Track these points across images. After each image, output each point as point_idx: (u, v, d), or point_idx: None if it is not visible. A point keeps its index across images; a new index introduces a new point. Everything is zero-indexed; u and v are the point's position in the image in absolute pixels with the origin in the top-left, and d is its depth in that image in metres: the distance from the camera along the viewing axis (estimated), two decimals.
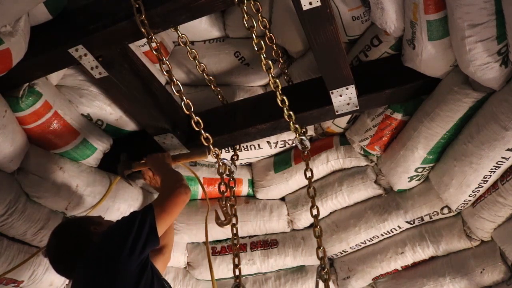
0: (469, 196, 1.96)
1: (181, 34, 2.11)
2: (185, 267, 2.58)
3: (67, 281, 2.06)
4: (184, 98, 1.72)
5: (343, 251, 2.41)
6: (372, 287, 2.45)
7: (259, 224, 2.47)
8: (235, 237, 2.10)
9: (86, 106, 2.07)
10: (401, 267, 2.32)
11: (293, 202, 2.47)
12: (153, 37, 1.58)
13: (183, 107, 1.73)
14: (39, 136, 1.91)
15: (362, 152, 2.29)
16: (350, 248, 2.39)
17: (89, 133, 2.07)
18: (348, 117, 2.24)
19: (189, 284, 2.53)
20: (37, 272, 1.94)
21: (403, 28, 1.80)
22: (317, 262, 1.83)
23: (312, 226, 2.00)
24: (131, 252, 1.32)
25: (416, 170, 2.08)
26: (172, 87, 1.71)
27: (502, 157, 1.74)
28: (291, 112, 1.79)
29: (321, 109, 1.98)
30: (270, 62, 1.64)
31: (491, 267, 2.06)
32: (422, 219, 2.22)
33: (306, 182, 2.00)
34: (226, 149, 2.35)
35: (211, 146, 1.85)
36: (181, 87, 1.72)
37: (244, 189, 2.53)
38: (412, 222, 2.24)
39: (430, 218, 2.21)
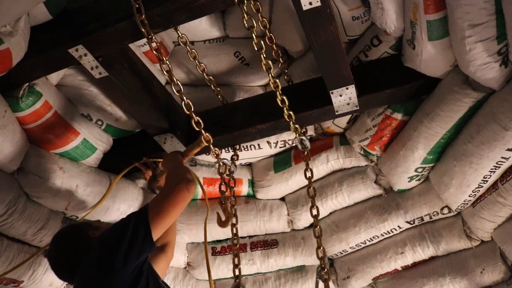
0: (469, 196, 1.96)
1: (181, 34, 2.11)
2: (185, 267, 2.58)
3: None
4: (184, 98, 1.72)
5: (343, 251, 2.41)
6: (372, 287, 2.45)
7: (259, 224, 2.47)
8: (235, 237, 2.10)
9: (86, 106, 2.07)
10: (401, 267, 2.32)
11: (293, 202, 2.47)
12: (153, 37, 1.58)
13: (183, 107, 1.73)
14: (39, 136, 1.91)
15: (362, 152, 2.29)
16: (350, 248, 2.39)
17: (89, 133, 2.07)
18: (348, 117, 2.24)
19: (189, 284, 2.53)
20: (37, 272, 1.95)
21: (403, 28, 1.80)
22: (317, 262, 1.83)
23: (312, 226, 2.00)
24: (125, 261, 1.28)
25: (416, 170, 2.08)
26: (172, 87, 1.70)
27: (502, 157, 1.74)
28: (291, 112, 1.79)
29: (321, 109, 1.98)
30: (270, 62, 1.64)
31: (491, 267, 2.06)
32: (422, 219, 2.22)
33: (306, 182, 2.00)
34: (226, 149, 2.35)
35: (211, 146, 1.85)
36: (181, 87, 1.71)
37: (244, 189, 2.53)
38: (412, 222, 2.24)
39: (430, 218, 2.21)
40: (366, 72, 2.00)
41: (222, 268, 2.47)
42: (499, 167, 1.79)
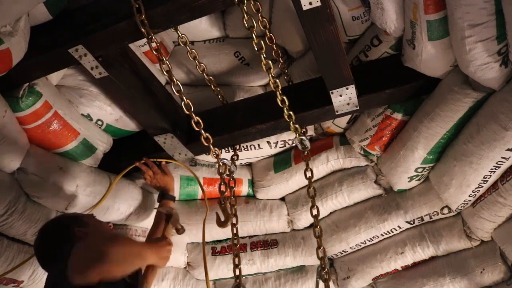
0: (469, 196, 1.96)
1: (181, 34, 2.10)
2: (185, 267, 2.58)
3: None
4: (184, 98, 1.72)
5: (343, 251, 2.41)
6: (372, 287, 2.45)
7: (259, 224, 2.47)
8: (235, 237, 2.10)
9: (86, 106, 2.06)
10: (401, 267, 2.32)
11: (293, 202, 2.47)
12: (153, 37, 1.58)
13: (183, 107, 1.73)
14: (39, 136, 1.91)
15: (362, 152, 2.29)
16: (350, 248, 2.39)
17: (89, 133, 2.06)
18: (348, 117, 2.24)
19: (189, 284, 2.52)
20: (37, 272, 1.94)
21: (403, 28, 1.80)
22: (317, 262, 1.83)
23: (312, 226, 2.01)
24: None
25: (416, 170, 2.08)
26: (172, 87, 1.71)
27: (502, 157, 1.74)
28: (291, 112, 1.79)
29: (321, 109, 1.97)
30: (270, 62, 1.64)
31: (491, 267, 2.06)
32: (422, 219, 2.22)
33: (306, 182, 2.00)
34: (226, 149, 2.35)
35: (211, 146, 1.85)
36: (181, 87, 1.72)
37: (244, 189, 2.53)
38: (412, 222, 2.24)
39: (430, 218, 2.21)
40: (366, 72, 2.00)
41: (222, 268, 2.47)
42: (499, 167, 1.79)
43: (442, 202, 2.12)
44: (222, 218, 2.02)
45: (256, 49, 1.60)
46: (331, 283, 2.21)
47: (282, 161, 2.46)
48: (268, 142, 2.40)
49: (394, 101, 2.04)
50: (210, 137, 1.81)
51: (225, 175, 2.12)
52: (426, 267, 2.26)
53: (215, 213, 2.03)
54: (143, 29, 1.54)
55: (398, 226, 2.27)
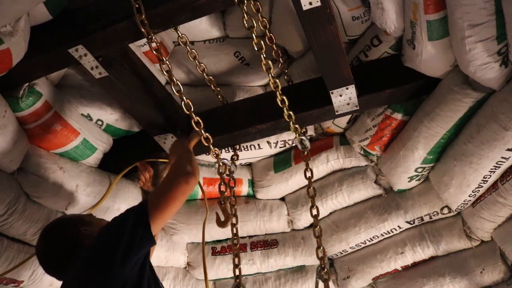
0: (469, 196, 1.96)
1: (181, 34, 2.10)
2: (185, 267, 2.58)
3: None
4: (184, 98, 1.72)
5: (343, 251, 2.41)
6: (372, 287, 2.45)
7: (259, 224, 2.47)
8: (235, 237, 2.10)
9: (86, 106, 2.07)
10: (401, 267, 2.32)
11: (293, 202, 2.47)
12: (153, 37, 1.58)
13: (183, 107, 1.73)
14: (39, 136, 1.91)
15: (362, 152, 2.29)
16: (350, 248, 2.39)
17: (89, 133, 2.06)
18: (348, 117, 2.24)
19: (189, 284, 2.53)
20: (37, 272, 1.94)
21: (403, 28, 1.80)
22: (317, 262, 1.83)
23: (312, 226, 2.00)
24: (124, 257, 1.26)
25: (416, 170, 2.08)
26: (172, 87, 1.70)
27: (502, 157, 1.74)
28: (291, 112, 1.79)
29: (321, 109, 1.97)
30: (270, 62, 1.64)
31: (491, 267, 2.06)
32: (422, 219, 2.22)
33: (306, 182, 2.00)
34: (226, 149, 2.35)
35: (211, 146, 1.85)
36: (181, 87, 1.71)
37: (244, 189, 2.53)
38: (412, 222, 2.24)
39: (430, 218, 2.21)
40: (366, 72, 2.00)
41: (222, 268, 2.47)
42: (499, 167, 1.79)
43: (442, 202, 2.12)
44: (222, 218, 2.02)
45: (256, 49, 1.60)
46: (331, 283, 2.21)
47: (282, 161, 2.46)
48: (268, 142, 2.40)
49: (394, 101, 2.04)
50: (210, 137, 1.81)
51: (225, 175, 2.11)
52: (426, 267, 2.26)
53: (215, 213, 2.03)
54: (143, 29, 1.54)
55: (398, 226, 2.27)
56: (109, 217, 2.16)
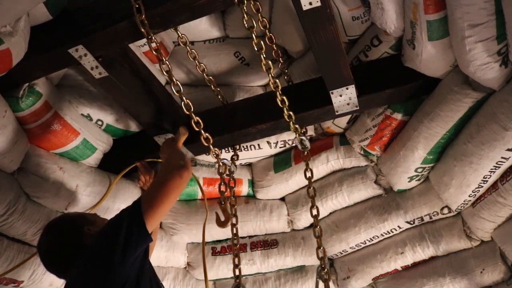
0: (469, 196, 1.96)
1: (181, 34, 2.10)
2: (185, 267, 2.58)
3: None
4: (184, 98, 1.72)
5: (343, 251, 2.41)
6: (372, 287, 2.45)
7: (259, 224, 2.47)
8: (235, 237, 2.10)
9: (86, 106, 2.07)
10: (401, 267, 2.32)
11: (293, 202, 2.47)
12: (153, 37, 1.58)
13: (183, 107, 1.73)
14: (39, 136, 1.91)
15: (362, 152, 2.29)
16: (350, 248, 2.39)
17: (89, 133, 2.07)
18: (348, 117, 2.24)
19: (189, 284, 2.53)
20: (37, 272, 1.94)
21: (403, 28, 1.80)
22: (317, 262, 1.83)
23: (312, 226, 2.00)
24: (123, 257, 1.27)
25: (416, 170, 2.08)
26: (172, 87, 1.70)
27: (502, 157, 1.74)
28: (291, 112, 1.79)
29: (321, 109, 1.97)
30: (270, 62, 1.64)
31: (491, 267, 2.06)
32: (422, 219, 2.22)
33: (306, 182, 2.00)
34: (226, 149, 2.35)
35: (211, 146, 1.85)
36: (181, 87, 1.71)
37: (244, 189, 2.53)
38: (412, 222, 2.24)
39: (430, 218, 2.21)
40: (366, 72, 2.00)
41: (222, 268, 2.47)
42: (499, 167, 1.79)
43: (442, 202, 2.12)
44: (222, 218, 2.02)
45: (256, 49, 1.60)
46: (331, 283, 2.20)
47: (282, 161, 2.46)
48: (268, 142, 2.40)
49: (394, 101, 2.04)
50: (210, 137, 1.81)
51: (225, 175, 2.11)
52: (426, 267, 2.26)
53: (215, 213, 2.03)
54: (143, 29, 1.54)
55: (398, 226, 2.27)
56: (109, 217, 2.18)
